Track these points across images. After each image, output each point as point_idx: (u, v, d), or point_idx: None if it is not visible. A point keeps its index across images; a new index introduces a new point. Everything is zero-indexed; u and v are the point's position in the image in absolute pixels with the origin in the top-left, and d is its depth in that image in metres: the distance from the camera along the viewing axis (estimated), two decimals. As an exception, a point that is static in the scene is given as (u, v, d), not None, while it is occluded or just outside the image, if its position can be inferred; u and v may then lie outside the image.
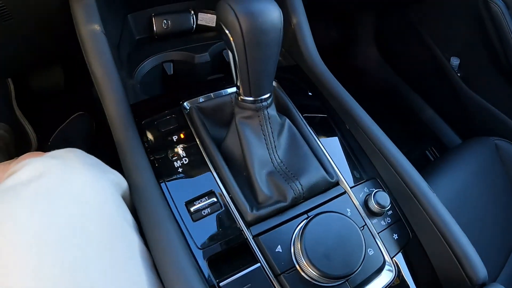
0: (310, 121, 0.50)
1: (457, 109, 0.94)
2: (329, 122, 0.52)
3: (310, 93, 0.56)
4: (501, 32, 0.79)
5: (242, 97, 0.42)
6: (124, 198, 0.39)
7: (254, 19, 0.35)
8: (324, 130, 0.51)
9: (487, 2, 0.76)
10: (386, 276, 0.43)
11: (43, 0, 0.50)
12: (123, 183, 0.41)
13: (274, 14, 0.36)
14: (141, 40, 0.64)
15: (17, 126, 0.97)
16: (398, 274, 0.43)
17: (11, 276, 0.28)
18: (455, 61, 0.91)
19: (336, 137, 0.51)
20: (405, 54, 1.02)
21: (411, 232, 0.46)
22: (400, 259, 0.44)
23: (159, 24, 0.63)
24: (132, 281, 0.34)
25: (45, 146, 0.94)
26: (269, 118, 0.43)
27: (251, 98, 0.42)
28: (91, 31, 0.48)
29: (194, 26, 0.65)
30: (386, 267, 0.43)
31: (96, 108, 0.73)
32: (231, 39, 0.37)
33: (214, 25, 0.66)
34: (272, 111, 0.44)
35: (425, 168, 0.74)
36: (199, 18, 0.65)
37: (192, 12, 0.65)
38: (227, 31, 0.37)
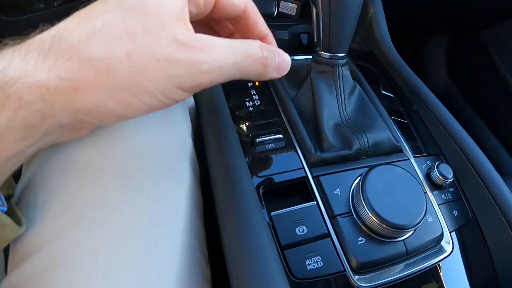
0: (378, 96, 0.51)
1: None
2: (397, 100, 0.54)
3: (380, 75, 0.57)
4: None
5: (320, 52, 0.45)
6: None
7: None
8: (391, 105, 0.52)
9: None
10: (443, 249, 0.42)
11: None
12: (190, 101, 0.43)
13: None
14: (225, 18, 0.69)
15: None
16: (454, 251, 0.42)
17: None
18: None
19: (403, 113, 0.52)
20: (474, 79, 1.00)
21: (471, 213, 0.45)
22: (456, 237, 0.43)
23: (243, 6, 0.68)
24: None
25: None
26: (342, 76, 0.45)
27: (328, 54, 0.44)
28: None
29: (275, 12, 0.70)
30: (445, 239, 0.42)
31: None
32: None
33: (293, 14, 0.70)
34: (346, 71, 0.46)
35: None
36: (280, 6, 0.70)
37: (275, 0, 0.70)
38: None
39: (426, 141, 0.49)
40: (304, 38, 0.62)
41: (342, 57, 0.45)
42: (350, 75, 0.46)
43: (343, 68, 0.45)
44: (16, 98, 0.22)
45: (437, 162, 0.44)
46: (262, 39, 0.34)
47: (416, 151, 0.47)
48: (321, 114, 0.43)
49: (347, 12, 0.42)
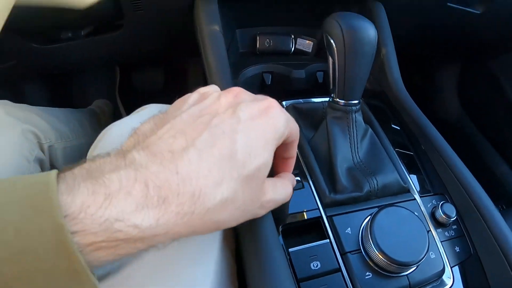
0: (388, 136, 0.56)
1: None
2: (406, 139, 0.58)
3: (390, 115, 0.62)
4: None
5: (335, 99, 0.50)
6: None
7: (355, 33, 0.45)
8: (401, 145, 0.56)
9: None
10: (444, 283, 0.45)
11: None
12: None
13: (370, 31, 0.45)
14: (244, 54, 0.75)
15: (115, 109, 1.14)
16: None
17: None
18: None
19: (411, 153, 0.56)
20: (485, 107, 1.03)
21: (472, 249, 0.49)
22: (458, 273, 0.47)
23: (262, 42, 0.74)
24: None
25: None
26: (355, 122, 0.50)
27: (343, 101, 0.49)
28: (212, 30, 0.59)
29: (293, 49, 0.75)
30: (446, 274, 0.46)
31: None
32: (335, 47, 0.46)
33: (310, 50, 0.75)
34: (359, 116, 0.51)
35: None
36: (297, 43, 0.75)
37: (293, 36, 0.75)
38: (331, 41, 0.46)
39: (432, 179, 0.53)
40: (320, 76, 0.67)
41: (355, 104, 0.49)
42: (362, 120, 0.51)
43: (356, 114, 0.50)
44: (139, 244, 0.26)
45: (442, 202, 0.48)
46: (288, 158, 0.41)
47: (422, 191, 0.51)
48: (335, 158, 0.48)
49: (361, 64, 0.47)
